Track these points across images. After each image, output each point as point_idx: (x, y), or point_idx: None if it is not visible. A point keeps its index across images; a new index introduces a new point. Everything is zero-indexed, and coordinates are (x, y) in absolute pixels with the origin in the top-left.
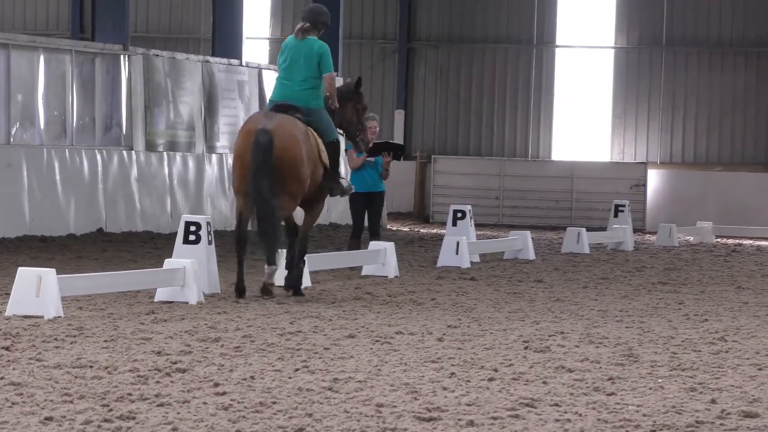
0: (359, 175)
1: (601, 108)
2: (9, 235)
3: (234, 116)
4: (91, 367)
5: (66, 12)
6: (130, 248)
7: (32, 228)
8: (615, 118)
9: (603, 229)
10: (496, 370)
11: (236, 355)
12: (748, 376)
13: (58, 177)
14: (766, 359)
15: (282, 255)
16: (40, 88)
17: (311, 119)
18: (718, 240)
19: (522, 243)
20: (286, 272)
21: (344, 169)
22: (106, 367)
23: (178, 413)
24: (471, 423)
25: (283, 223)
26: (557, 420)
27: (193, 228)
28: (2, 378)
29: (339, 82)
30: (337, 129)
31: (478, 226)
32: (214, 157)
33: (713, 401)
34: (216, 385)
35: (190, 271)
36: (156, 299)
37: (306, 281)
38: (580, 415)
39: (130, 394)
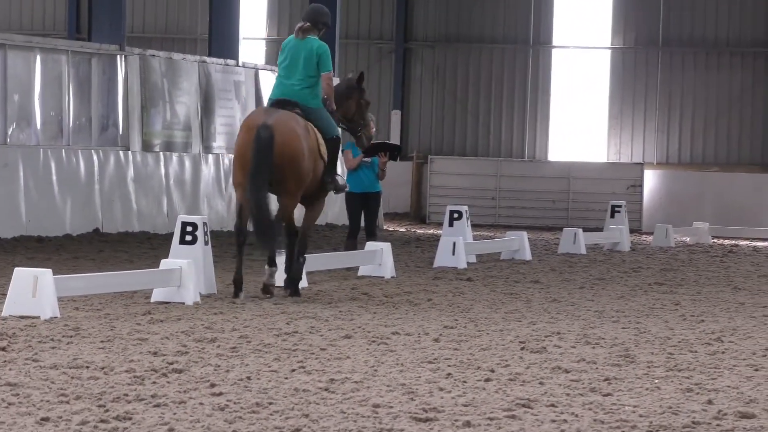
0: (356, 176)
1: (597, 108)
2: (5, 236)
3: (230, 116)
4: (87, 367)
5: (62, 12)
6: (127, 248)
7: (29, 228)
8: (611, 118)
9: (599, 229)
10: (492, 371)
11: (233, 356)
12: (745, 377)
13: (54, 177)
14: (763, 360)
15: (281, 255)
16: (37, 89)
17: (311, 118)
18: (715, 240)
19: (518, 244)
20: (285, 274)
21: (341, 169)
22: (103, 368)
23: (175, 414)
24: (467, 423)
25: (283, 224)
26: (553, 421)
27: (189, 228)
28: None
29: (335, 82)
30: (339, 124)
31: (474, 226)
32: (210, 157)
33: (710, 402)
34: (212, 385)
35: (187, 271)
36: (152, 300)
37: (303, 282)
38: (577, 415)
39: (127, 395)
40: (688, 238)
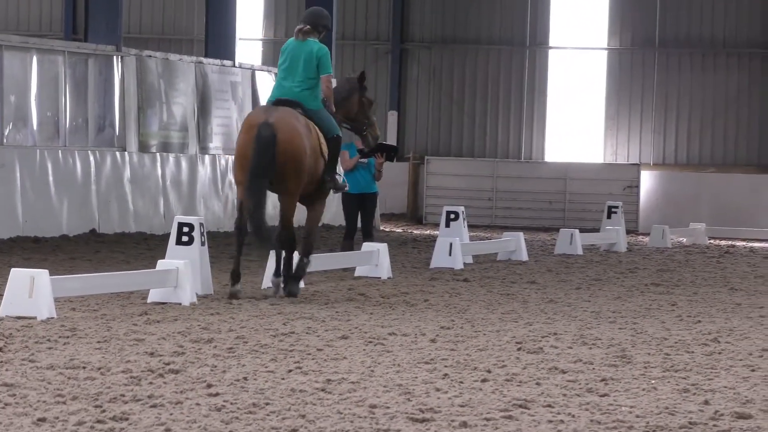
0: (352, 176)
1: (594, 109)
2: (2, 236)
3: (227, 117)
4: (84, 368)
5: (59, 13)
6: (123, 249)
7: (25, 229)
8: (608, 119)
9: (596, 230)
10: (489, 371)
11: (229, 356)
12: (741, 378)
13: (51, 178)
14: (759, 360)
15: (271, 255)
16: (33, 89)
17: (312, 118)
18: (711, 241)
19: (515, 244)
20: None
21: (339, 169)
22: (99, 368)
23: (171, 414)
24: (464, 424)
25: (282, 227)
26: (550, 421)
27: (186, 229)
28: None
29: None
30: (343, 124)
31: (471, 227)
32: (207, 158)
33: (706, 402)
34: (209, 386)
35: (183, 272)
36: (149, 300)
37: (300, 283)
38: (573, 416)
39: (123, 395)
40: (685, 239)
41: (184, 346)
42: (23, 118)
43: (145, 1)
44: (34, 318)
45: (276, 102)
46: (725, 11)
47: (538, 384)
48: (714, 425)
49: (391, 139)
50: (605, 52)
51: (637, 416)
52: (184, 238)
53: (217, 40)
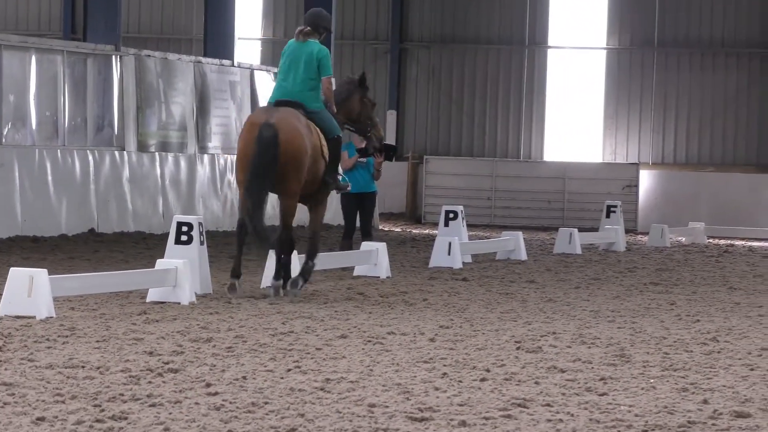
0: (351, 176)
1: (593, 109)
2: (1, 236)
3: (226, 117)
4: (83, 367)
5: (58, 12)
6: (122, 248)
7: (24, 228)
8: (607, 118)
9: (595, 229)
10: (488, 371)
11: (228, 356)
12: (740, 377)
13: (50, 177)
14: (758, 359)
15: (271, 256)
16: (32, 89)
17: (313, 119)
18: (710, 240)
19: (514, 244)
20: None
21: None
22: (98, 368)
23: (170, 413)
24: (463, 423)
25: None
26: (549, 420)
27: (185, 228)
28: None
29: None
30: (346, 126)
31: (470, 226)
32: (206, 157)
33: (705, 401)
34: (208, 385)
35: (182, 271)
36: (148, 300)
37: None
38: (572, 415)
39: (122, 395)
40: (684, 238)
41: (183, 345)
42: (22, 118)
43: (144, 0)
44: (33, 317)
45: (277, 103)
46: (724, 11)
47: (537, 383)
48: (713, 424)
49: (390, 139)
50: (604, 52)
51: (636, 415)
52: (183, 238)
53: (216, 39)
